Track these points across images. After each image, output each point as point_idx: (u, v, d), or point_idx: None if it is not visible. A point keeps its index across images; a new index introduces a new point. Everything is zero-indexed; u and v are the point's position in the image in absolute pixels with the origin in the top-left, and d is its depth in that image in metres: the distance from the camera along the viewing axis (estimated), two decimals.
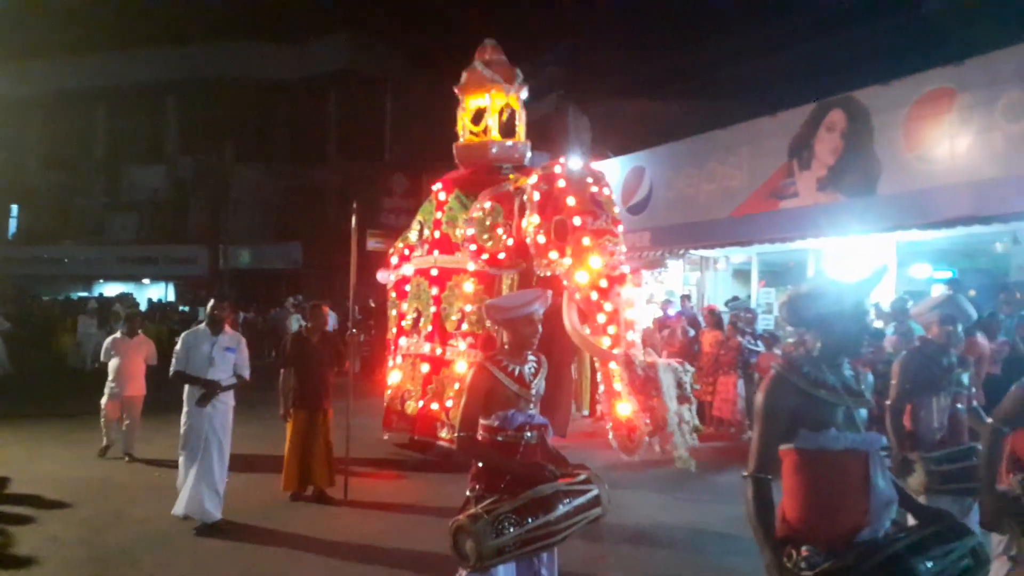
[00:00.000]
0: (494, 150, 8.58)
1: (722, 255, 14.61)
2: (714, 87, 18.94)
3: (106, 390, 8.46)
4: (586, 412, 8.41)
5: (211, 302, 6.50)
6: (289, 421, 6.87)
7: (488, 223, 7.46)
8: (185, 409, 6.14)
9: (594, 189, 6.90)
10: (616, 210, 7.07)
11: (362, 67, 28.44)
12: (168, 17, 30.02)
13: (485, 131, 8.77)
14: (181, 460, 6.10)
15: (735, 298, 13.11)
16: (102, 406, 8.43)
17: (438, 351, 7.97)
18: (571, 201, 6.72)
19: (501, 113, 8.81)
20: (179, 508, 5.99)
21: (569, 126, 19.15)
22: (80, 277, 29.74)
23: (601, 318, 6.44)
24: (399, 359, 8.51)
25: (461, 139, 8.94)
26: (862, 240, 11.10)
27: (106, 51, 29.85)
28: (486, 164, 8.54)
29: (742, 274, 14.84)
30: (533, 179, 7.09)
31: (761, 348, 10.11)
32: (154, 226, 30.07)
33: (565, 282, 6.67)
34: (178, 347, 6.22)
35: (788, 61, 16.82)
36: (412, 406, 8.10)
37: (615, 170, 14.63)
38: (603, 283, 6.46)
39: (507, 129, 8.85)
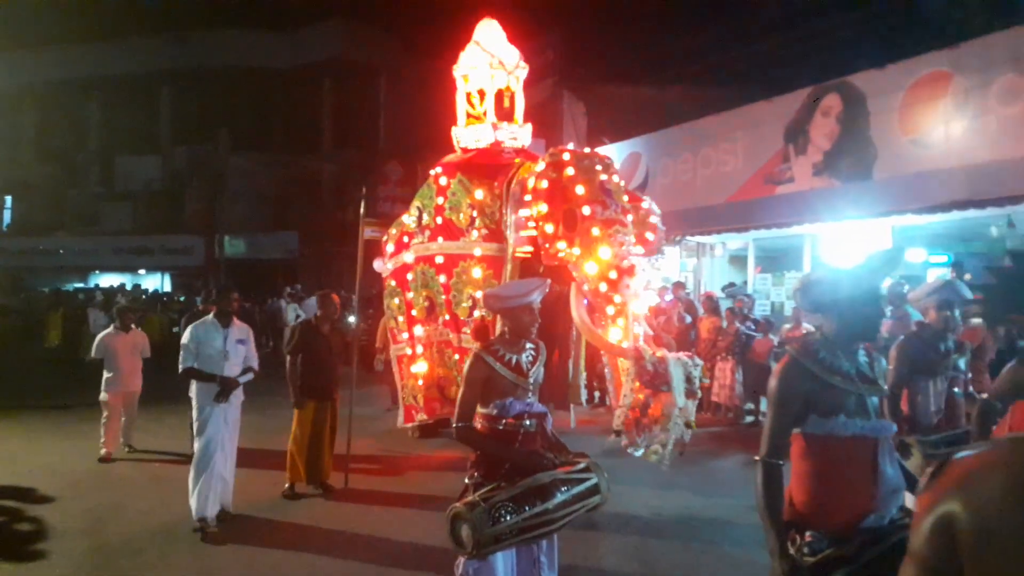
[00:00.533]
0: (496, 133, 8.33)
1: (718, 241, 14.62)
2: (710, 72, 18.89)
3: (103, 387, 8.21)
4: (585, 404, 8.26)
5: (217, 292, 6.25)
6: (295, 412, 6.78)
7: (496, 207, 7.32)
8: (197, 406, 5.89)
9: (603, 177, 6.67)
10: (625, 199, 6.83)
11: (356, 55, 28.31)
12: (161, 6, 29.83)
13: (484, 114, 8.52)
14: (197, 460, 5.78)
15: (731, 284, 13.15)
16: (103, 404, 8.16)
17: (460, 340, 7.80)
18: (580, 190, 6.50)
19: (500, 95, 8.59)
20: (203, 510, 5.74)
21: (565, 112, 19.11)
22: (75, 268, 29.69)
23: (610, 310, 6.27)
24: (419, 348, 8.29)
25: (459, 122, 8.71)
26: (858, 225, 11.11)
27: (99, 41, 29.70)
28: (487, 148, 8.33)
29: (738, 260, 14.86)
30: (540, 166, 6.87)
31: (759, 334, 10.16)
32: (149, 216, 30.01)
33: (574, 273, 6.52)
34: (186, 341, 5.91)
35: (784, 46, 16.77)
36: (455, 391, 7.93)
37: (611, 156, 14.53)
38: (612, 275, 6.28)
39: (505, 112, 8.61)
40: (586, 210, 6.45)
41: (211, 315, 6.15)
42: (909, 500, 2.88)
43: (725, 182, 13.55)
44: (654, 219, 6.98)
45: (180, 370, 5.90)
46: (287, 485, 6.71)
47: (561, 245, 6.56)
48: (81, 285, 28.19)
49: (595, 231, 6.38)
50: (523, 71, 8.67)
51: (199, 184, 28.94)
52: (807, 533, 2.49)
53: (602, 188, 6.59)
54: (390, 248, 8.95)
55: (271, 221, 29.07)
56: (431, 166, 8.72)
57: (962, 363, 4.51)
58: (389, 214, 26.87)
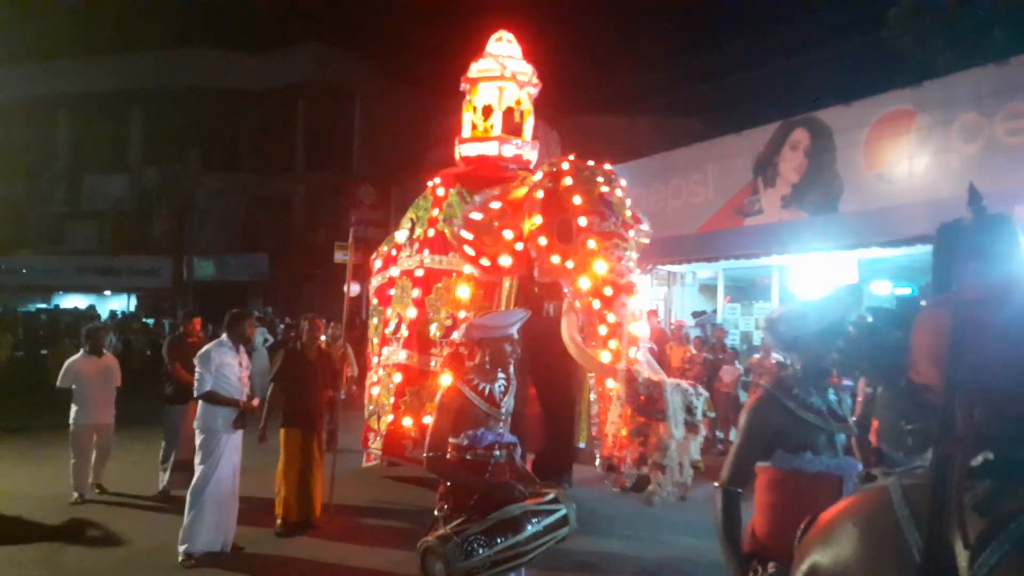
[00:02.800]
0: (502, 148, 7.91)
1: (689, 270, 14.77)
2: (681, 105, 19.25)
3: (73, 421, 7.30)
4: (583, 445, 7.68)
5: (232, 316, 6.00)
6: (282, 443, 6.39)
7: (494, 225, 6.84)
8: (206, 430, 5.63)
9: (604, 189, 6.27)
10: (628, 213, 6.41)
11: (330, 77, 28.33)
12: (134, 24, 29.66)
13: (492, 127, 8.18)
14: (202, 489, 5.53)
15: (702, 312, 13.27)
16: (71, 439, 7.28)
17: (414, 359, 7.23)
18: (577, 200, 6.11)
19: (510, 110, 8.25)
20: (215, 544, 5.59)
21: (539, 140, 19.25)
22: (38, 288, 29.05)
23: (603, 330, 5.80)
24: (380, 372, 7.79)
25: (464, 134, 8.32)
26: (825, 257, 11.31)
27: (69, 57, 29.38)
28: (490, 161, 7.95)
29: (708, 289, 15.02)
30: (538, 176, 6.54)
31: (727, 364, 10.24)
32: (116, 236, 29.54)
33: (566, 289, 6.13)
34: (205, 362, 5.67)
35: (753, 81, 17.14)
36: (383, 422, 7.45)
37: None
38: (608, 291, 5.84)
39: (514, 127, 8.27)
40: (582, 221, 6.05)
41: (225, 337, 5.93)
42: None
43: (695, 213, 13.73)
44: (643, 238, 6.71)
45: (197, 393, 5.67)
46: (278, 522, 6.29)
47: (555, 259, 6.15)
48: (44, 306, 27.60)
49: (591, 244, 5.97)
50: (535, 88, 8.30)
51: (168, 204, 28.60)
52: (770, 564, 2.51)
53: (602, 199, 6.19)
54: (377, 264, 8.59)
55: (241, 242, 28.77)
56: (405, 189, 8.50)
57: None
58: (362, 237, 26.72)
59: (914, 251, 10.39)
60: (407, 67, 27.05)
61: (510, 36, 8.36)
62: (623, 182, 6.61)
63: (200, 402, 5.73)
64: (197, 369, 5.71)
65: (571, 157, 6.68)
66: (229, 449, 5.69)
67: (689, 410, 5.10)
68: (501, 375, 3.76)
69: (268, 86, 28.76)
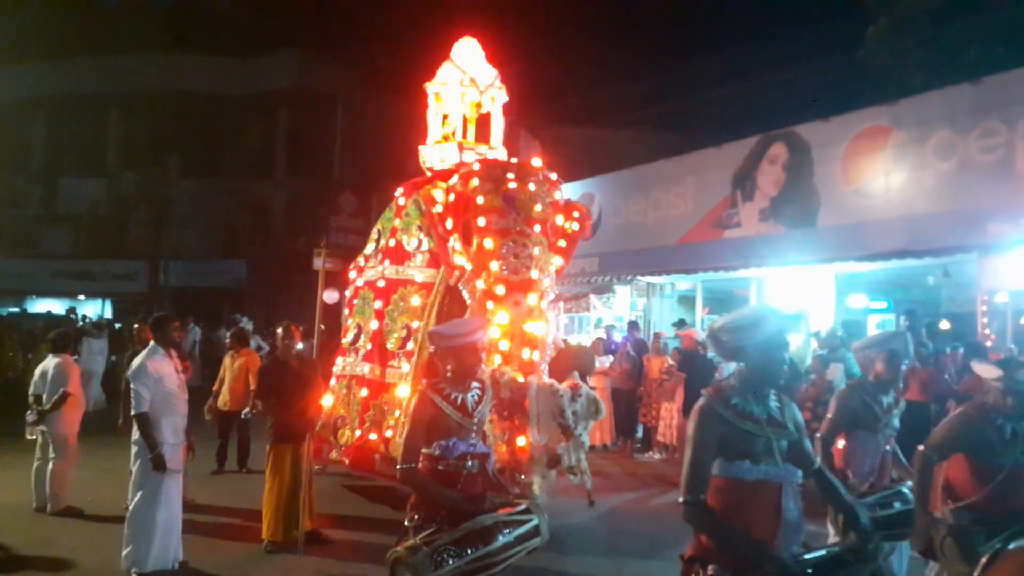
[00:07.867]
0: (462, 154, 7.71)
1: (668, 282, 14.83)
2: (662, 118, 19.41)
3: (67, 430, 6.98)
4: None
5: (157, 319, 5.67)
6: (270, 461, 6.07)
7: (417, 226, 6.79)
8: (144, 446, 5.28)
9: (512, 185, 6.16)
10: (538, 208, 6.24)
11: (312, 84, 28.20)
12: (113, 27, 29.33)
13: (454, 133, 8.05)
14: (152, 509, 5.24)
15: (681, 322, 13.31)
16: (71, 448, 7.00)
17: (377, 372, 6.97)
18: (480, 200, 6.08)
19: (479, 115, 8.13)
20: (165, 561, 5.33)
21: (520, 150, 19.35)
22: (10, 292, 28.60)
23: (495, 332, 5.60)
24: (332, 381, 7.55)
25: (428, 141, 8.16)
26: (802, 270, 11.39)
27: (46, 59, 29.01)
28: (450, 169, 7.66)
29: (687, 300, 15.09)
30: (453, 180, 6.46)
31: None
32: (92, 241, 29.16)
33: (463, 291, 6.02)
34: (139, 376, 5.25)
35: (733, 95, 17.30)
36: (347, 435, 6.97)
37: (565, 195, 14.70)
38: (500, 290, 5.72)
39: (478, 133, 8.17)
40: (481, 221, 6.02)
41: (155, 343, 5.54)
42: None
43: (675, 225, 13.79)
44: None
45: (133, 413, 5.24)
46: (266, 541, 5.99)
47: (459, 261, 6.10)
48: (15, 310, 27.17)
49: (488, 243, 5.91)
50: (499, 91, 8.18)
51: (146, 209, 28.29)
52: (710, 567, 2.62)
53: (505, 197, 6.10)
54: (352, 275, 8.48)
55: (219, 249, 28.50)
56: (386, 197, 8.27)
57: (896, 419, 4.32)
58: (343, 245, 26.52)
59: (890, 266, 10.51)
60: (390, 75, 26.97)
61: (473, 41, 8.27)
62: (552, 176, 6.53)
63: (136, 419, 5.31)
64: (132, 385, 5.30)
65: (486, 156, 6.64)
66: (173, 463, 5.36)
67: (562, 413, 4.93)
68: (475, 384, 3.73)
69: (249, 91, 28.56)
